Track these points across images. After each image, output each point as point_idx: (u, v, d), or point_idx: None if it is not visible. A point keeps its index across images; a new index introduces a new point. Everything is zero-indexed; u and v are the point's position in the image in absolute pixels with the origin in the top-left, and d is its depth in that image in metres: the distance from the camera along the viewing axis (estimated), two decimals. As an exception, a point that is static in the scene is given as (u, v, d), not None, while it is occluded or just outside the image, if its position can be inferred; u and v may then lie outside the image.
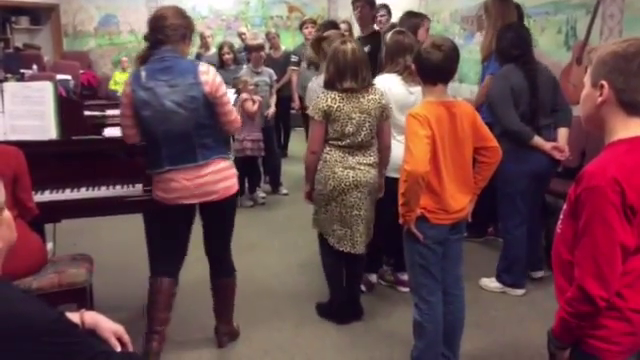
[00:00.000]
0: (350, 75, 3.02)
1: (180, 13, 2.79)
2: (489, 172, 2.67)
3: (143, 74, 2.70)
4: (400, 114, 3.33)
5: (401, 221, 2.56)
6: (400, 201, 2.49)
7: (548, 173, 3.66)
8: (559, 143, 3.54)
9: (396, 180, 3.40)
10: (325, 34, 3.88)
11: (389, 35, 3.53)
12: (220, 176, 2.81)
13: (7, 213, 1.45)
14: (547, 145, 3.51)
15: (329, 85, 3.08)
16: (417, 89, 3.41)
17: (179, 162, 2.74)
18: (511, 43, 3.59)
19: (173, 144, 2.72)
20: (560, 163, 3.61)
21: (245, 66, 6.00)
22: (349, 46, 3.06)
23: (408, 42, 3.42)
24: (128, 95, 2.73)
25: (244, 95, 5.33)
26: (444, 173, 2.51)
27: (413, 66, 2.58)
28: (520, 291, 3.74)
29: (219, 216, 2.94)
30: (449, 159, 2.52)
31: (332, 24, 5.01)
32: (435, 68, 2.49)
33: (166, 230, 2.89)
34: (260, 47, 5.88)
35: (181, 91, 2.67)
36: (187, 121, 2.69)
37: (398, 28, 3.81)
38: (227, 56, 6.20)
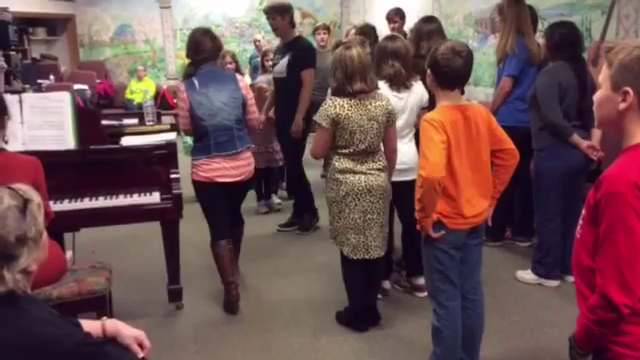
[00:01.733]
0: (359, 78, 3.03)
1: (212, 37, 3.67)
2: (507, 175, 2.65)
3: (196, 83, 3.52)
4: None
5: (418, 227, 2.56)
6: (417, 207, 2.49)
7: (582, 171, 3.74)
8: (594, 142, 3.61)
9: (406, 183, 3.44)
10: (345, 39, 3.92)
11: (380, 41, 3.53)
12: (247, 162, 3.67)
13: (45, 235, 1.50)
14: (584, 144, 3.59)
15: (339, 91, 3.07)
16: (405, 94, 3.43)
17: (223, 149, 3.52)
18: (567, 39, 3.66)
19: (219, 135, 3.51)
20: (593, 162, 3.69)
21: (260, 74, 6.04)
22: (354, 51, 3.06)
23: (391, 47, 3.41)
24: (185, 99, 3.51)
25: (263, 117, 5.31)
26: (460, 177, 2.49)
27: (429, 71, 2.56)
28: (555, 282, 3.79)
29: (242, 189, 3.85)
30: (466, 163, 2.50)
31: (371, 28, 4.98)
32: (456, 75, 2.49)
33: (211, 203, 3.61)
34: None
35: (226, 94, 3.54)
36: (230, 116, 3.53)
37: (388, 34, 3.80)
38: (229, 65, 6.26)
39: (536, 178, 3.78)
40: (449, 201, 2.51)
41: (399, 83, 3.40)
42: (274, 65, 4.97)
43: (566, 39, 3.66)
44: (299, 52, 4.80)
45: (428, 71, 2.55)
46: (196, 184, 3.57)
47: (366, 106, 3.05)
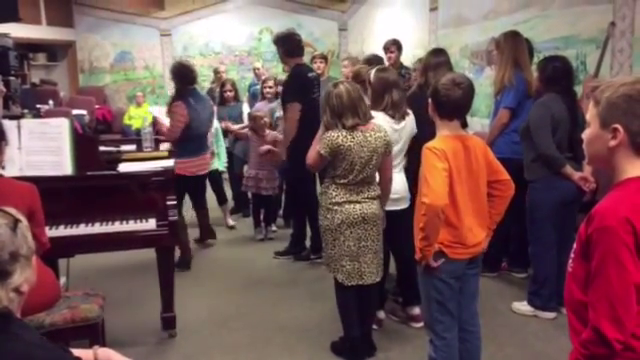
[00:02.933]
0: (351, 114, 3.05)
1: (192, 68, 4.87)
2: (503, 206, 2.67)
3: (192, 101, 4.68)
4: None
5: (418, 256, 2.55)
6: (419, 236, 2.49)
7: (575, 201, 3.77)
8: (586, 174, 3.64)
9: (396, 213, 3.45)
10: (354, 69, 4.02)
11: (372, 73, 3.55)
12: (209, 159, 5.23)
13: (34, 258, 1.51)
14: (576, 175, 3.62)
15: (331, 127, 3.07)
16: (401, 125, 3.46)
17: (203, 151, 5.01)
18: (559, 73, 3.72)
19: (202, 140, 4.97)
20: (585, 193, 3.71)
21: (259, 101, 6.11)
22: (342, 88, 3.09)
23: (392, 79, 3.48)
24: (184, 114, 4.61)
25: (264, 147, 5.36)
26: (461, 206, 2.52)
27: (430, 101, 2.60)
28: (551, 314, 3.77)
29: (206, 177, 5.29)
30: (466, 192, 2.53)
31: (376, 58, 5.02)
32: (455, 105, 2.54)
33: (194, 190, 5.07)
34: None
35: (207, 110, 4.96)
36: (208, 127, 5.03)
37: (380, 66, 3.83)
38: (229, 93, 6.36)
39: (530, 209, 3.79)
40: (451, 230, 2.52)
41: (400, 112, 3.45)
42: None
43: (559, 72, 3.72)
44: (285, 83, 4.97)
45: (429, 100, 2.61)
46: (185, 178, 4.53)
47: (366, 138, 3.07)
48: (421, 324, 3.61)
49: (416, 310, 3.68)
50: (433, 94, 2.58)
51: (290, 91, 4.79)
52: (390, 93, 3.43)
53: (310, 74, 4.97)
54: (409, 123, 3.53)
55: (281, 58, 4.99)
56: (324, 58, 6.78)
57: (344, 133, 3.04)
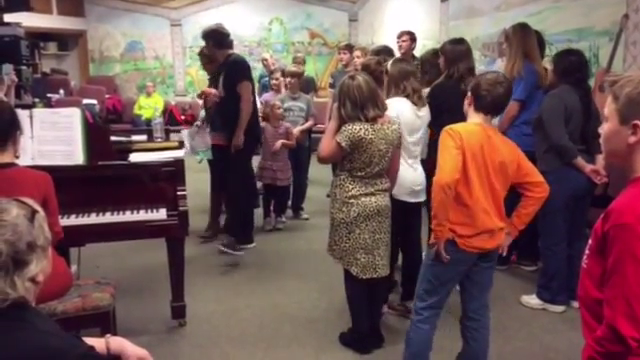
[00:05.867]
0: (371, 105, 3.05)
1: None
2: (535, 207, 2.68)
3: None
4: (410, 137, 3.42)
5: (432, 240, 2.59)
6: (432, 214, 2.55)
7: (587, 194, 3.77)
8: (597, 167, 3.64)
9: (413, 205, 3.46)
10: (364, 61, 4.03)
11: (390, 63, 3.56)
12: None
13: (50, 248, 1.53)
14: (587, 167, 3.63)
15: (352, 119, 3.06)
16: (423, 112, 3.50)
17: None
18: (575, 66, 3.72)
19: None
20: (597, 186, 3.72)
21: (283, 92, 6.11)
22: (360, 79, 3.09)
23: (411, 68, 3.55)
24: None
25: (278, 144, 5.41)
26: (475, 187, 2.53)
27: (469, 94, 2.64)
28: (560, 307, 3.78)
29: None
30: (479, 178, 2.53)
31: (386, 49, 4.91)
32: (495, 102, 2.61)
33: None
34: (297, 74, 5.99)
35: None
36: None
37: (396, 57, 3.85)
38: None
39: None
40: (463, 209, 2.54)
41: (422, 100, 3.50)
42: (217, 87, 4.93)
43: (574, 65, 3.72)
44: (230, 67, 4.81)
45: (468, 93, 2.66)
46: None
47: (384, 130, 3.07)
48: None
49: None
50: (475, 88, 2.62)
51: (242, 72, 4.82)
52: (409, 81, 3.46)
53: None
54: (427, 111, 3.58)
55: (212, 54, 4.99)
56: (348, 48, 6.64)
57: (366, 126, 3.02)
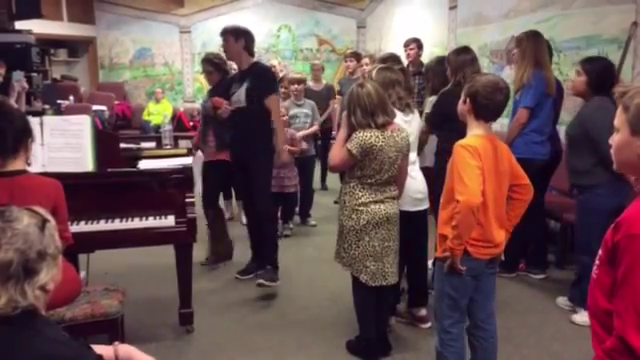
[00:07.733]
0: (381, 111, 3.06)
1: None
2: (522, 209, 2.68)
3: None
4: None
5: (443, 254, 2.56)
6: (451, 234, 2.50)
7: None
8: None
9: (416, 213, 3.45)
10: (368, 69, 3.99)
11: (375, 72, 3.54)
12: None
13: (61, 257, 1.54)
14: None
15: (362, 126, 3.05)
16: (410, 117, 3.50)
17: None
18: (609, 74, 3.65)
19: None
20: None
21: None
22: (369, 87, 3.10)
23: (395, 77, 3.49)
24: None
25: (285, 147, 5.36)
26: (490, 205, 2.53)
27: (467, 100, 2.58)
28: None
29: None
30: (492, 193, 2.53)
31: (393, 57, 4.67)
32: (496, 109, 2.57)
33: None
34: (301, 80, 6.03)
35: None
36: None
37: (381, 65, 3.80)
38: None
39: (586, 215, 3.62)
40: (478, 228, 2.53)
41: (404, 105, 3.48)
42: (232, 95, 4.35)
43: (609, 73, 3.64)
44: (258, 77, 4.30)
45: (466, 100, 2.58)
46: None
47: (394, 138, 3.08)
48: (428, 325, 3.62)
49: (422, 311, 3.68)
50: (473, 95, 2.55)
51: (269, 85, 4.41)
52: (394, 89, 3.44)
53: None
54: (416, 118, 3.59)
55: (235, 51, 4.37)
56: (355, 56, 6.57)
57: (376, 133, 3.03)
